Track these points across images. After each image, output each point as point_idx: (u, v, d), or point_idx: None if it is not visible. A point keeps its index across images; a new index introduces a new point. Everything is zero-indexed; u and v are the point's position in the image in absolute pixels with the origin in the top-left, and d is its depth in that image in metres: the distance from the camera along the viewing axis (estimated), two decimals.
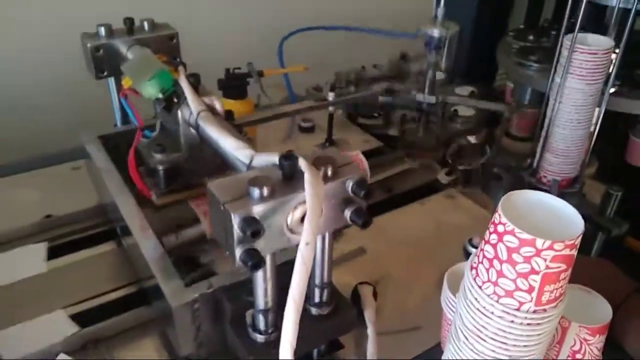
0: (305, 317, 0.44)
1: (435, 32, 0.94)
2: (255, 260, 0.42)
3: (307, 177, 0.43)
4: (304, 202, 0.43)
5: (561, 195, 0.83)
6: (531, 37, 1.08)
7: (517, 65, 0.99)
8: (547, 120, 0.83)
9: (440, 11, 0.96)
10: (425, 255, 0.71)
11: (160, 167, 0.65)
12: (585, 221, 0.81)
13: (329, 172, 0.45)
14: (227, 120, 0.61)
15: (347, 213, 0.47)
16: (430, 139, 1.01)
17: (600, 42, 0.78)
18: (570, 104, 0.79)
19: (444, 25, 0.94)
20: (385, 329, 0.61)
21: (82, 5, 1.24)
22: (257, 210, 0.42)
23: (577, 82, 0.78)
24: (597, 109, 0.83)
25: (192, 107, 0.59)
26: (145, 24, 0.76)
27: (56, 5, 1.25)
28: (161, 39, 0.75)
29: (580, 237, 0.40)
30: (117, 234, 0.75)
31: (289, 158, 0.44)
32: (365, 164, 0.73)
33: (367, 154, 0.86)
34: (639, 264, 0.92)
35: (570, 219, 0.42)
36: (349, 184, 0.46)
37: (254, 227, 0.41)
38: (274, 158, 0.46)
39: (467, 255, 0.71)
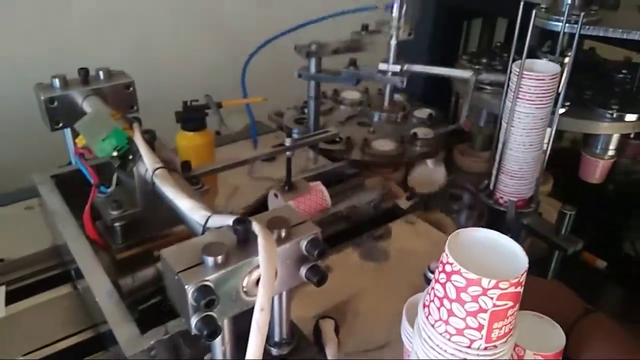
0: (265, 358, 0.44)
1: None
2: (210, 328, 0.42)
3: (260, 242, 0.44)
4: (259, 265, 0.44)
5: (518, 215, 0.86)
6: (484, 61, 1.11)
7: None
8: (500, 144, 0.85)
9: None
10: (387, 283, 0.72)
11: (117, 224, 0.64)
12: (541, 240, 0.83)
13: (283, 234, 0.46)
14: (184, 170, 0.61)
15: (303, 271, 0.47)
16: (391, 152, 1.02)
17: (548, 67, 0.80)
18: (521, 128, 0.82)
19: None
20: None
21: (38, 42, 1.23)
22: (211, 279, 0.42)
23: (527, 106, 0.80)
24: (548, 129, 0.86)
25: (147, 164, 0.58)
26: (101, 74, 0.75)
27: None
28: (117, 88, 0.74)
29: (525, 274, 0.41)
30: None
31: (242, 222, 0.45)
32: (325, 195, 0.74)
33: (328, 183, 0.88)
34: (595, 278, 0.96)
35: (515, 255, 0.43)
36: (303, 244, 0.47)
37: (208, 297, 0.41)
38: (229, 220, 0.46)
39: (428, 281, 0.71)
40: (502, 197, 0.87)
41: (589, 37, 0.89)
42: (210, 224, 0.50)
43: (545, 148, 0.86)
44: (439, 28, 1.21)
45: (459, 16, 1.23)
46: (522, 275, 0.41)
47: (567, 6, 0.83)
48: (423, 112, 1.19)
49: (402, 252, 0.75)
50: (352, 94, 1.27)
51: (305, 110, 1.18)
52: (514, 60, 0.81)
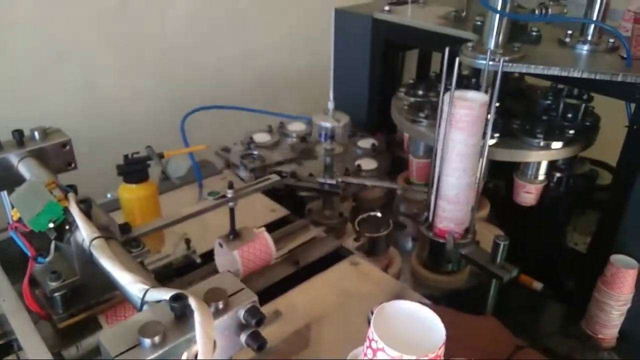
0: None
1: (328, 124, 1.00)
2: None
3: (197, 317, 0.44)
4: None
5: (457, 246, 0.90)
6: (420, 92, 1.15)
7: (409, 121, 1.06)
8: (437, 170, 0.89)
9: (331, 105, 1.03)
10: (331, 330, 0.72)
11: (57, 294, 0.64)
12: (479, 269, 0.87)
13: (221, 306, 0.47)
14: (124, 232, 0.61)
15: (243, 338, 0.48)
16: (334, 214, 1.06)
17: (477, 97, 0.84)
18: (455, 154, 0.85)
19: (334, 117, 1.00)
20: None
21: None
22: None
23: (459, 133, 0.84)
24: (480, 159, 0.91)
25: (84, 235, 0.58)
26: (36, 134, 0.74)
27: None
28: (53, 148, 0.74)
29: (442, 346, 0.44)
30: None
31: (179, 299, 0.46)
32: (269, 243, 0.76)
33: (274, 225, 0.89)
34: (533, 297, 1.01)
35: (434, 327, 0.46)
36: (241, 313, 0.48)
37: None
38: (167, 294, 0.47)
39: None
40: (441, 222, 0.91)
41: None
42: (148, 297, 0.50)
43: (478, 176, 0.90)
44: (377, 60, 1.25)
45: (394, 48, 1.27)
46: (439, 348, 0.44)
47: (489, 50, 0.88)
48: (367, 142, 1.23)
49: (347, 296, 0.77)
50: (298, 126, 1.29)
51: (252, 146, 1.20)
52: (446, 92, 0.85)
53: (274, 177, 0.81)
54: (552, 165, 1.07)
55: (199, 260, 0.79)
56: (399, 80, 1.34)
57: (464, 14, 1.13)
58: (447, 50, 0.82)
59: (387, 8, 1.18)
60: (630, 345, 0.99)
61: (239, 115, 1.29)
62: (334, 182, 1.00)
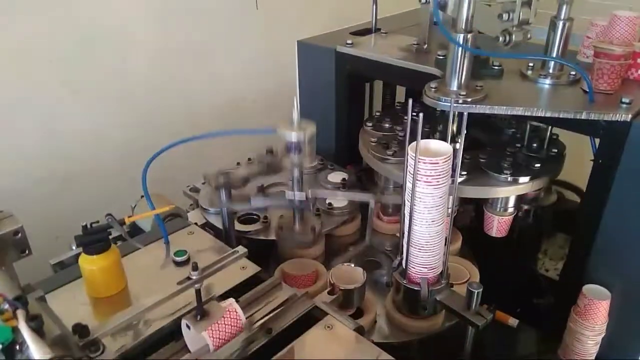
0: None
1: (293, 136, 0.95)
2: None
3: None
4: None
5: (431, 292, 0.89)
6: (387, 126, 1.14)
7: (377, 159, 1.05)
8: (406, 219, 0.88)
9: (296, 115, 0.97)
10: None
11: None
12: (454, 315, 0.87)
13: None
14: (82, 336, 0.58)
15: None
16: (307, 236, 1.04)
17: (441, 149, 0.83)
18: (423, 206, 0.85)
19: (300, 127, 0.96)
20: None
21: None
22: None
23: (425, 187, 0.83)
24: (450, 197, 0.90)
25: (35, 356, 0.55)
26: None
27: None
28: (5, 237, 0.70)
29: None
30: None
31: None
32: (239, 315, 0.73)
33: (243, 285, 0.87)
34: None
35: None
36: None
37: None
38: None
39: None
40: (414, 268, 0.90)
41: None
42: None
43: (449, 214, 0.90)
44: (342, 91, 1.23)
45: (359, 79, 1.26)
46: None
47: (452, 102, 0.87)
48: (336, 177, 1.21)
49: None
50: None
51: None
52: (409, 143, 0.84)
53: (241, 250, 0.79)
54: (520, 198, 1.08)
55: None
56: (370, 110, 1.33)
57: (425, 46, 1.12)
58: (410, 102, 0.81)
59: (349, 41, 1.17)
60: None
61: (210, 146, 1.26)
62: (303, 197, 0.97)
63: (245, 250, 0.80)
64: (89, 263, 0.81)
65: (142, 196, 1.05)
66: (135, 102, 1.46)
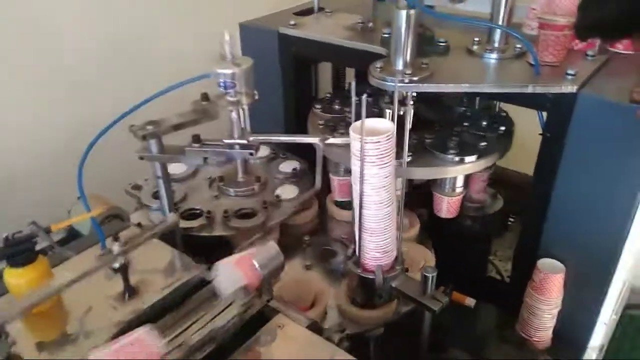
0: None
1: (227, 71, 0.86)
2: None
3: None
4: None
5: (386, 280, 0.86)
6: (336, 107, 1.10)
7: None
8: (356, 203, 0.85)
9: (228, 49, 0.88)
10: None
11: None
12: (410, 301, 0.85)
13: None
14: None
15: None
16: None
17: (383, 128, 0.79)
18: (370, 188, 0.81)
19: (235, 62, 0.87)
20: None
21: None
22: None
23: (370, 167, 0.79)
24: (399, 180, 0.87)
25: None
26: None
27: None
28: None
29: None
30: None
31: None
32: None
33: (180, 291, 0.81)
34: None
35: None
36: None
37: None
38: None
39: None
40: (367, 254, 0.87)
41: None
42: None
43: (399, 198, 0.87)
44: (288, 75, 1.18)
45: (305, 62, 1.21)
46: None
47: (395, 82, 0.83)
48: (288, 166, 1.17)
49: None
50: None
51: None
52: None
53: (197, 270, 0.72)
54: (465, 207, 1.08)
55: None
56: (316, 93, 1.28)
57: (370, 24, 1.08)
58: (353, 83, 0.77)
59: (292, 22, 1.12)
60: (565, 343, 1.01)
61: None
62: (244, 141, 0.90)
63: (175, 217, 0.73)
64: (15, 277, 0.74)
65: (78, 197, 0.98)
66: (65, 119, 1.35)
